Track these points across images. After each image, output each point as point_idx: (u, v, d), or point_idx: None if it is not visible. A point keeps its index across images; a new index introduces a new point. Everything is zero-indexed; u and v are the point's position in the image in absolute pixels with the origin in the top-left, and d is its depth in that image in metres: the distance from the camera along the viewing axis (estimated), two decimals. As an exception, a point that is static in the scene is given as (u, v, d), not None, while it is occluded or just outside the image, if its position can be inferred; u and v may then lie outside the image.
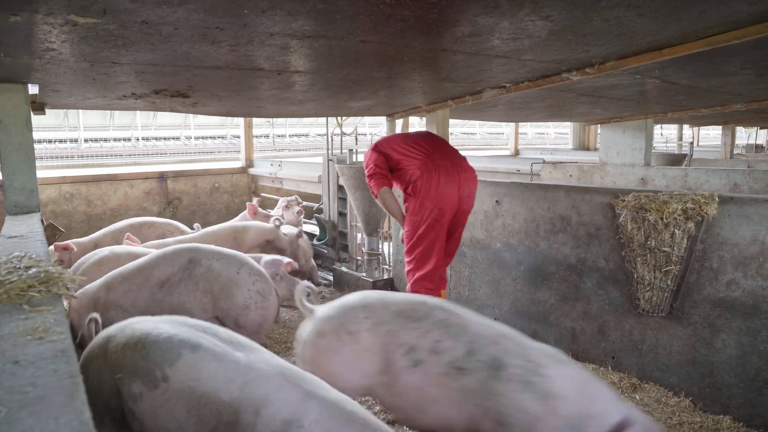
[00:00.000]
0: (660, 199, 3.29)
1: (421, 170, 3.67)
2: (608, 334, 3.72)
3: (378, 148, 3.89)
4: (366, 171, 3.90)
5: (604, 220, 3.67)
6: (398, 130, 5.99)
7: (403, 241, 3.87)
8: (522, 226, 4.15)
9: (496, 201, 4.30)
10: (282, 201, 6.45)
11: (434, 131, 5.05)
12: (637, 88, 4.77)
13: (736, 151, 13.00)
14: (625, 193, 3.49)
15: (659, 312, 3.41)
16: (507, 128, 12.57)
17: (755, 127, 12.36)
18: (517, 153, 11.44)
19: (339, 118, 6.23)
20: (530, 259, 4.11)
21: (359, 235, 5.85)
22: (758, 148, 13.41)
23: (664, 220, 3.24)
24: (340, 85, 3.88)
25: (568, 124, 12.44)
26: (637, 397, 3.42)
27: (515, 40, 2.88)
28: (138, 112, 14.29)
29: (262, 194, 8.42)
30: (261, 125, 17.69)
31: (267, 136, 17.88)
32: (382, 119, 6.22)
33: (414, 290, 3.74)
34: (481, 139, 19.94)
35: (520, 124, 17.91)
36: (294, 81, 3.62)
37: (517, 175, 7.95)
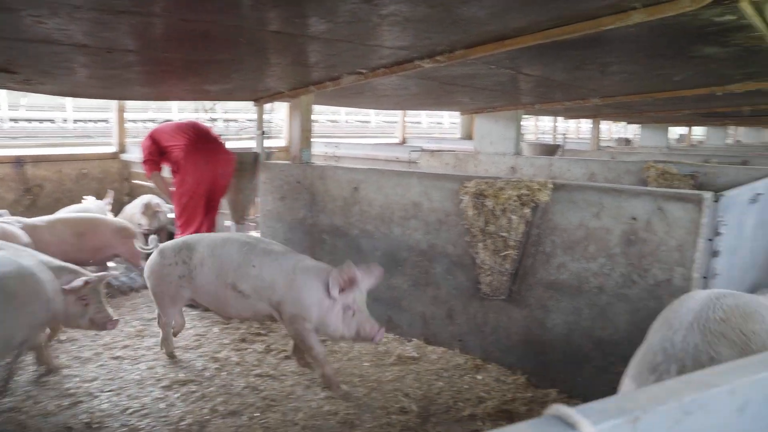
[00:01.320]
0: (497, 186, 3.40)
1: (184, 153, 4.57)
2: (455, 318, 3.82)
3: (152, 136, 4.75)
4: (142, 156, 4.76)
5: (452, 206, 3.75)
6: (284, 115, 5.85)
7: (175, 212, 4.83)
8: (378, 213, 4.17)
9: (355, 188, 4.30)
10: (141, 203, 5.76)
11: (298, 117, 4.98)
12: (496, 79, 4.91)
13: (610, 144, 13.89)
14: (468, 180, 3.58)
15: (499, 295, 3.53)
16: (399, 117, 12.68)
17: (624, 122, 13.24)
18: (404, 141, 11.57)
19: (209, 103, 6.02)
20: (385, 245, 4.14)
21: (227, 223, 5.68)
22: (627, 141, 14.39)
23: (501, 206, 3.35)
24: (185, 68, 3.72)
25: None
26: (479, 377, 3.55)
27: (349, 23, 2.85)
28: (5, 90, 13.15)
29: (134, 181, 8.00)
30: (146, 109, 16.84)
31: (153, 121, 17.03)
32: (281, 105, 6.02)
33: None
34: (375, 127, 20.07)
35: (415, 112, 18.17)
36: (131, 61, 3.42)
37: (397, 163, 8.03)
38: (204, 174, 4.62)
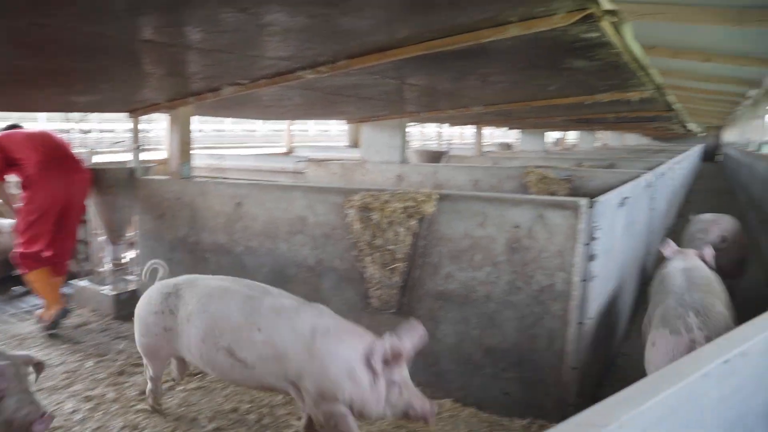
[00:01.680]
0: (382, 199, 3.37)
1: (36, 168, 4.25)
2: (347, 333, 3.74)
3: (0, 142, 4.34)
4: None
5: (338, 220, 3.67)
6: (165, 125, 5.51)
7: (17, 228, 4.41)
8: (262, 228, 4.01)
9: (237, 203, 4.11)
10: None
11: (177, 129, 4.72)
12: (381, 88, 4.91)
13: (492, 149, 14.47)
14: (354, 194, 3.52)
15: (389, 308, 3.50)
16: (285, 125, 12.47)
17: (505, 127, 13.85)
18: (291, 150, 11.40)
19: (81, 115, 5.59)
20: (271, 261, 3.99)
21: (102, 243, 5.28)
22: (508, 146, 15.08)
23: (387, 218, 3.32)
24: (44, 77, 3.38)
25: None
26: (373, 392, 3.48)
27: (226, 33, 2.71)
28: None
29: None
30: (5, 118, 15.41)
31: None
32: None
33: (23, 264, 4.34)
34: (262, 136, 19.67)
35: (301, 121, 17.98)
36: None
37: (283, 174, 7.87)
38: (57, 193, 4.32)
